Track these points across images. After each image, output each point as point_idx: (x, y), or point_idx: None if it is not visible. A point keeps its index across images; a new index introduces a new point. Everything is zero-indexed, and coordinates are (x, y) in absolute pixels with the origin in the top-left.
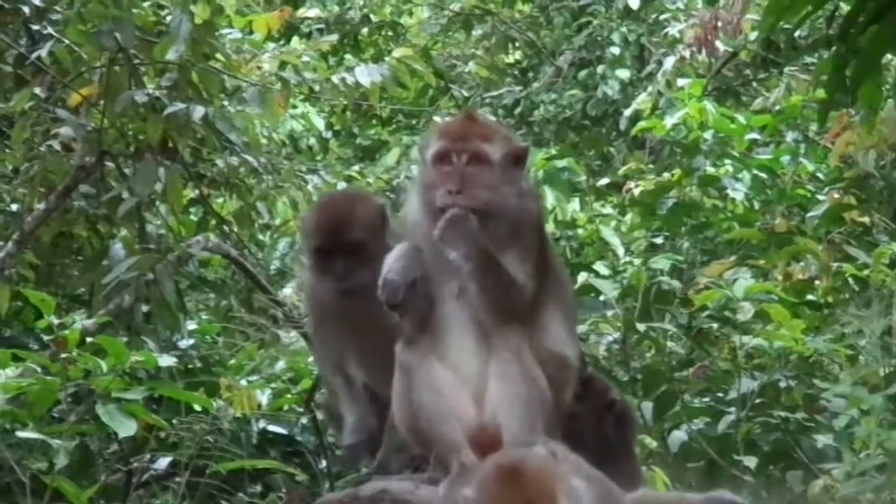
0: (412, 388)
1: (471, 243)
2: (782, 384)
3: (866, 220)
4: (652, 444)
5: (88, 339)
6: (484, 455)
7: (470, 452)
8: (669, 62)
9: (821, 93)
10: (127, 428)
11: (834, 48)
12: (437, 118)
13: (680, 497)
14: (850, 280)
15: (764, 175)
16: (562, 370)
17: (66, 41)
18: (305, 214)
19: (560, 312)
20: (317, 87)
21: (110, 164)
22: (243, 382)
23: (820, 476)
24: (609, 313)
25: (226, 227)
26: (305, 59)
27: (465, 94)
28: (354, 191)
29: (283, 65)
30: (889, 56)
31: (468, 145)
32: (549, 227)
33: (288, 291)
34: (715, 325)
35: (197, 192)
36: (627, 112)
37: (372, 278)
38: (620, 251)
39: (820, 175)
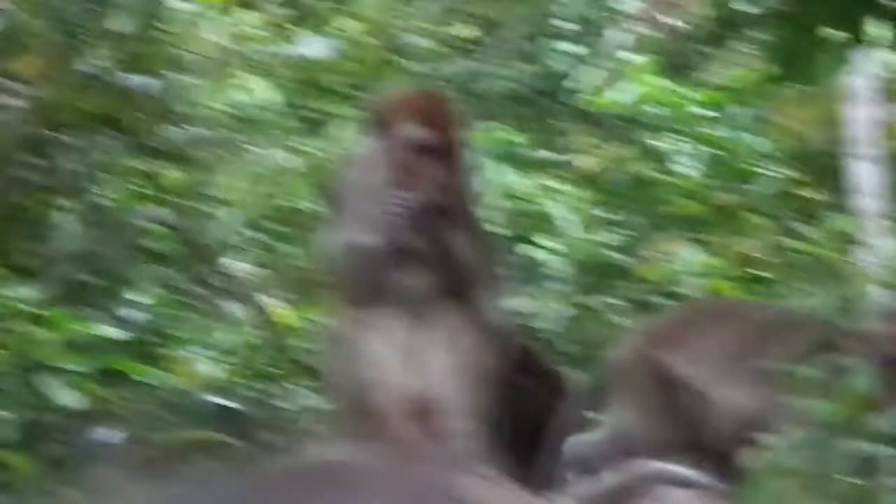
0: (349, 360)
1: (430, 230)
2: None
3: (813, 195)
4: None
5: (34, 311)
6: (419, 426)
7: (407, 423)
8: (619, 37)
9: (769, 68)
10: (73, 400)
11: (780, 24)
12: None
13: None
14: (797, 256)
15: (713, 151)
16: (496, 341)
17: (13, 10)
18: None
19: (492, 284)
20: (265, 60)
21: (57, 136)
22: (191, 355)
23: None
24: (555, 287)
25: (171, 199)
26: (255, 31)
27: (414, 66)
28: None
29: (232, 37)
30: (836, 31)
31: (450, 136)
32: (495, 200)
33: (235, 264)
34: (661, 300)
35: (143, 163)
36: (575, 86)
37: None
38: (565, 225)
39: (767, 151)
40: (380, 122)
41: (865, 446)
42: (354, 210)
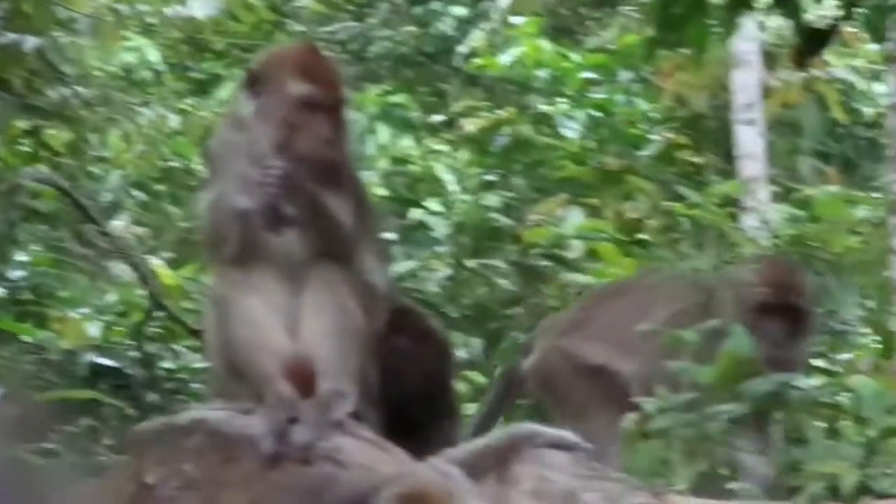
0: (226, 320)
1: (303, 195)
2: None
3: (698, 159)
4: (481, 380)
5: None
6: (297, 386)
7: (284, 384)
8: (507, 1)
9: (654, 32)
10: None
11: None
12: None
13: (490, 436)
14: (681, 219)
15: (597, 114)
16: (374, 301)
17: None
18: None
19: (371, 245)
20: (151, 20)
21: None
22: (73, 314)
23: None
24: (440, 250)
25: (58, 159)
26: None
27: (300, 28)
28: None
29: None
30: None
31: (335, 92)
32: (383, 163)
33: (119, 224)
34: (545, 263)
35: (29, 123)
36: (462, 49)
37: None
38: (453, 188)
39: (653, 115)
40: (261, 80)
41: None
42: (232, 170)
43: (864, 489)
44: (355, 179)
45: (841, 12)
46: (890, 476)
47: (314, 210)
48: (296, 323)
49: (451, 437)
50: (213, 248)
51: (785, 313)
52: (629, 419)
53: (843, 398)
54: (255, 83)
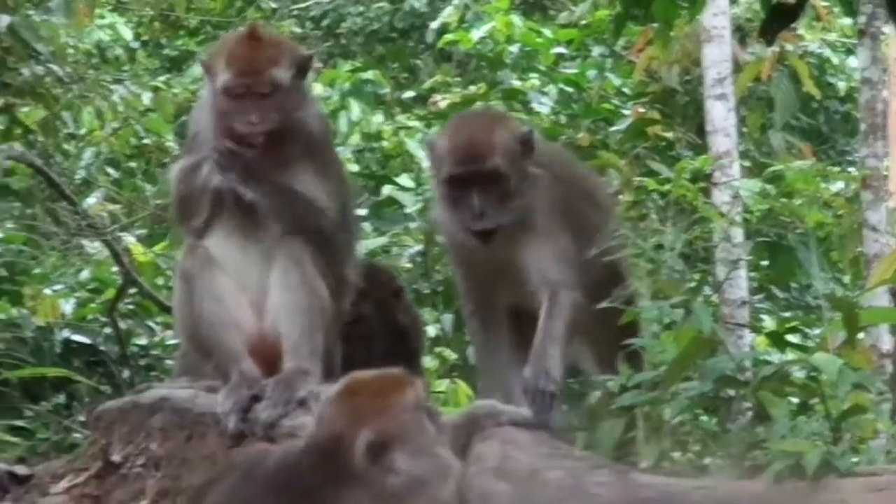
0: (193, 296)
1: (265, 183)
2: None
3: (670, 134)
4: (452, 356)
5: None
6: (263, 364)
7: (250, 361)
8: None
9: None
10: None
11: None
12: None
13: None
14: (652, 194)
15: (569, 89)
16: (341, 280)
17: None
18: (434, 137)
19: (343, 221)
20: None
21: None
22: (47, 291)
23: (598, 388)
24: (412, 226)
25: (31, 136)
26: None
27: (273, 5)
28: (493, 111)
29: None
30: None
31: (258, 78)
32: (355, 139)
33: (92, 201)
34: None
35: (2, 101)
36: (434, 25)
37: (509, 220)
38: (425, 164)
39: (625, 90)
40: (207, 70)
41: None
42: (198, 148)
43: (828, 467)
44: (331, 154)
45: None
46: (854, 454)
47: (275, 189)
48: (262, 300)
49: None
50: (181, 220)
51: (475, 181)
52: (593, 396)
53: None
54: (206, 72)
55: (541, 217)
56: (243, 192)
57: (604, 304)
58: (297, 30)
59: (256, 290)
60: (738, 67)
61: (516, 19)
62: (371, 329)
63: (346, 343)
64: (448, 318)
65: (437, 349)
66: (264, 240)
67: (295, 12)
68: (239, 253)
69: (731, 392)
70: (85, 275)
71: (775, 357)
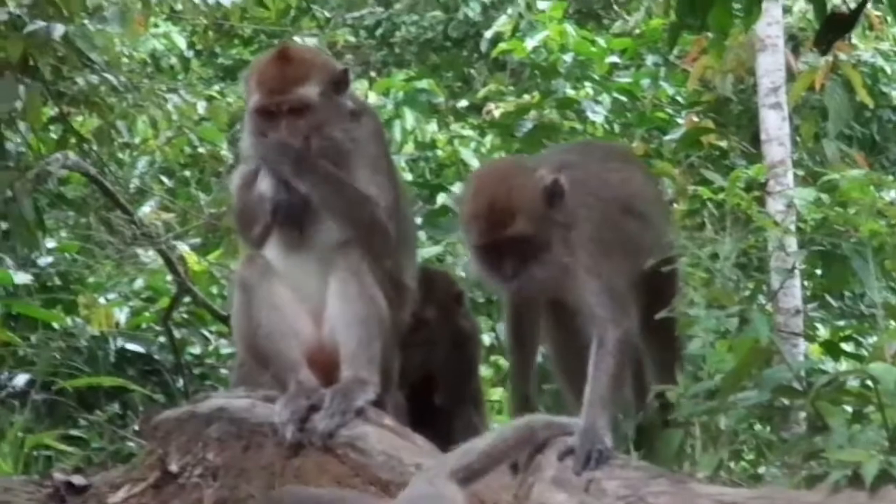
0: (251, 306)
1: (316, 172)
2: None
3: (724, 143)
4: (507, 365)
5: None
6: (321, 374)
7: (307, 371)
8: None
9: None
10: None
11: None
12: (297, 38)
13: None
14: (707, 203)
15: (623, 98)
16: (400, 290)
17: None
18: (460, 196)
19: (400, 231)
20: (178, 7)
21: None
22: (101, 300)
23: (656, 399)
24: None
25: (85, 146)
26: None
27: (327, 14)
28: (513, 164)
29: None
30: None
31: (286, 97)
32: (409, 148)
33: (147, 210)
34: None
35: (57, 110)
36: (488, 34)
37: (546, 274)
38: None
39: (679, 98)
40: (244, 88)
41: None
42: (251, 162)
43: (886, 477)
44: (383, 152)
45: None
46: None
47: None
48: (320, 309)
49: (474, 425)
50: (242, 231)
51: (500, 248)
52: (650, 407)
53: (869, 384)
54: (245, 91)
55: (581, 252)
56: (296, 183)
57: (661, 315)
58: (352, 39)
59: (315, 300)
60: (791, 76)
61: (570, 28)
62: (433, 334)
63: (407, 350)
64: (503, 326)
65: (492, 358)
66: (322, 249)
67: (349, 21)
68: (297, 263)
69: (787, 402)
70: (139, 284)
71: (829, 366)
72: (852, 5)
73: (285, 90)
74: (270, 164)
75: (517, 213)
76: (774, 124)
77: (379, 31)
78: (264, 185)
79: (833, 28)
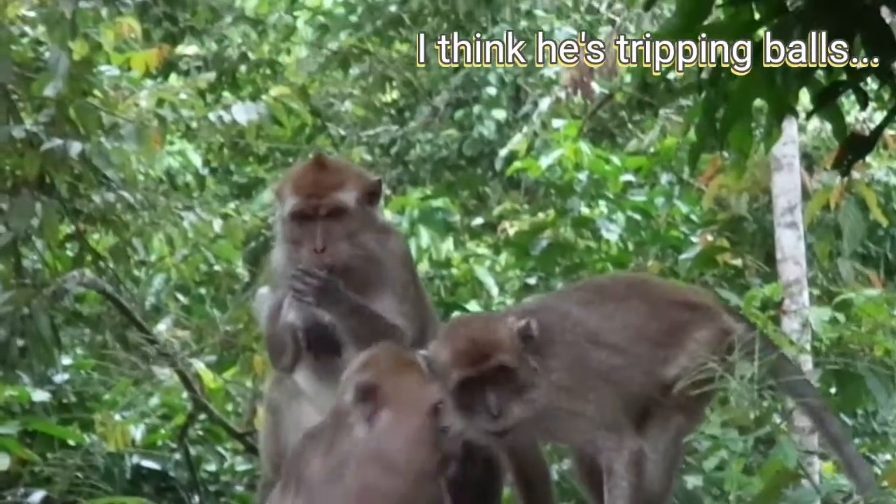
0: (279, 427)
1: (343, 303)
2: None
3: (739, 262)
4: None
5: None
6: None
7: None
8: (545, 103)
9: (693, 136)
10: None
11: (704, 92)
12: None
13: None
14: None
15: (638, 217)
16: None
17: None
18: (431, 350)
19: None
20: (194, 125)
21: None
22: (117, 417)
23: None
24: None
25: (101, 263)
26: (183, 96)
27: (342, 132)
28: (481, 315)
29: (160, 102)
30: (758, 101)
31: (323, 201)
32: (424, 266)
33: (162, 327)
34: None
35: (73, 227)
36: (503, 152)
37: (530, 414)
38: (494, 291)
39: (693, 217)
40: (276, 199)
41: None
42: (277, 281)
43: None
44: (410, 276)
45: (884, 115)
46: None
47: (361, 320)
48: None
49: None
50: (271, 357)
51: (484, 380)
52: None
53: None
54: (276, 200)
55: (562, 397)
56: (321, 315)
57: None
58: (367, 157)
59: None
60: (806, 195)
61: (585, 147)
62: (461, 479)
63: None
64: None
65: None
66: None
67: (364, 139)
68: (325, 385)
69: None
70: (155, 401)
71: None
72: (871, 127)
73: (323, 194)
74: (297, 292)
75: (498, 345)
76: (790, 243)
77: (394, 150)
78: (292, 315)
79: (853, 149)
